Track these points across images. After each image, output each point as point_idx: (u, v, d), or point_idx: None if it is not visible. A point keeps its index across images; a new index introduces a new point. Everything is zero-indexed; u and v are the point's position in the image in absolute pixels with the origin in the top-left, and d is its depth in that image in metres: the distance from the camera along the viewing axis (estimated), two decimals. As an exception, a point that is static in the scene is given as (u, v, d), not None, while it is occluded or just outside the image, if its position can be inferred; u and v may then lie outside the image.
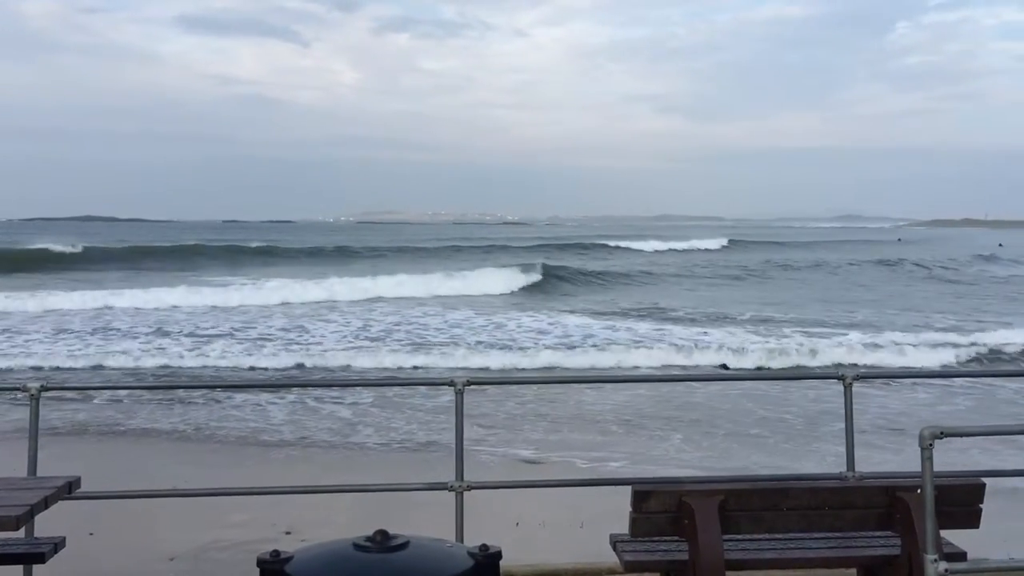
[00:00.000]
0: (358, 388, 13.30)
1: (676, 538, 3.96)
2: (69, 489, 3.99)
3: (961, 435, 3.42)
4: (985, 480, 4.01)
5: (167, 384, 14.95)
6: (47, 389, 4.89)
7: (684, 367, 16.36)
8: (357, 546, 2.34)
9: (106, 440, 10.49)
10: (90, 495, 4.72)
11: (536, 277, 34.90)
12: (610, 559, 4.35)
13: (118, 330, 20.60)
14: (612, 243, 65.98)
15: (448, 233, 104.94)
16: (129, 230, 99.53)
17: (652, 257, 57.08)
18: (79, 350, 17.67)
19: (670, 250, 63.29)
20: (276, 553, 2.38)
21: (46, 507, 3.78)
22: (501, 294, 31.24)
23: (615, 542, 4.18)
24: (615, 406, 12.35)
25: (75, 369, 16.07)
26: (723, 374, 14.98)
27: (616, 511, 4.25)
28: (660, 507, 3.89)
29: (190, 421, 11.48)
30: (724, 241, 72.07)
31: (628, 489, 3.95)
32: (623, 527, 4.00)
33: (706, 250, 64.68)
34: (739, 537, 3.99)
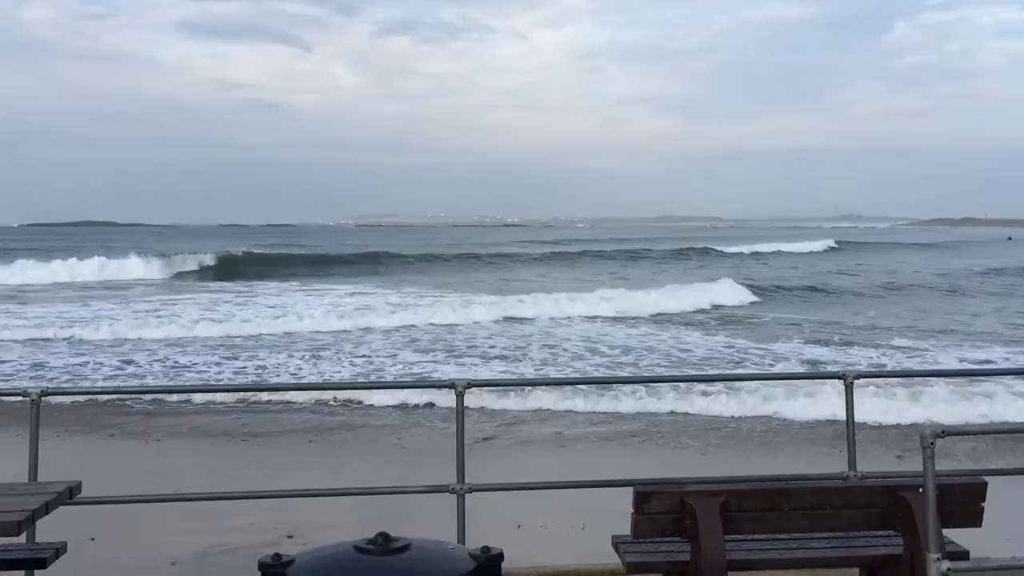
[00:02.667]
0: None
1: (678, 539, 3.96)
2: (70, 494, 3.99)
3: (963, 433, 3.42)
4: (987, 479, 4.01)
5: (168, 388, 14.92)
6: (48, 394, 4.88)
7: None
8: (359, 549, 2.34)
9: (107, 444, 10.48)
10: (91, 500, 4.71)
11: (747, 293, 30.58)
12: (612, 560, 4.35)
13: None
14: (716, 247, 64.26)
15: (476, 237, 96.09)
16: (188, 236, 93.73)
17: (798, 261, 53.87)
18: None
19: (777, 252, 62.70)
20: (278, 556, 2.38)
21: (47, 512, 3.77)
22: (715, 308, 26.86)
23: (617, 543, 4.18)
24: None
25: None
26: (726, 375, 14.90)
27: (618, 512, 4.25)
28: (662, 508, 3.89)
29: (192, 425, 11.46)
30: (830, 243, 72.14)
31: (630, 490, 3.95)
32: (625, 528, 4.00)
33: (813, 252, 63.95)
34: (741, 537, 3.99)
